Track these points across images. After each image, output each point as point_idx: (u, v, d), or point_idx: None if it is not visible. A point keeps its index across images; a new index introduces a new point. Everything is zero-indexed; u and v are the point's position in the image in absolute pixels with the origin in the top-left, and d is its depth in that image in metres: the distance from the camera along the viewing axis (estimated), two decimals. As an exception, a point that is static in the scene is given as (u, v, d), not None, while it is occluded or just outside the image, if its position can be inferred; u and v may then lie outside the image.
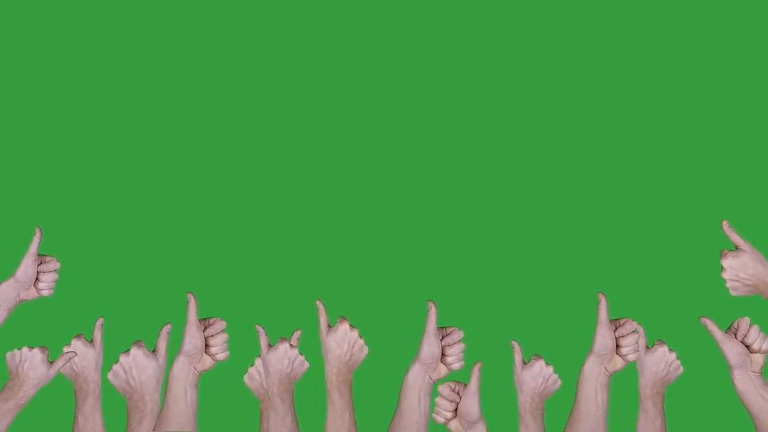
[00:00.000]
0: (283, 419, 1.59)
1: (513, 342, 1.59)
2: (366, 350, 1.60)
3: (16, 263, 1.58)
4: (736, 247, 1.59)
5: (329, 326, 1.61)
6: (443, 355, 1.59)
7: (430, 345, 1.57)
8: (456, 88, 1.77)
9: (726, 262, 1.59)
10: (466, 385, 1.57)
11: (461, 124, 1.76)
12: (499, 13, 1.77)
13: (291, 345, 1.60)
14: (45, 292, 1.59)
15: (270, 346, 1.60)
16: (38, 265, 1.59)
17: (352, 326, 1.60)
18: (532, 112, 1.75)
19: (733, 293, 1.59)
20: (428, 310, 1.58)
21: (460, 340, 1.59)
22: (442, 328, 1.60)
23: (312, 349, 1.62)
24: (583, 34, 1.76)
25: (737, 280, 1.59)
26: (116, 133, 1.75)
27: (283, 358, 1.59)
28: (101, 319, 1.60)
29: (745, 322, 1.57)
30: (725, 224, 1.59)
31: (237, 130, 1.76)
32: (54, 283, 1.59)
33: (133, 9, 1.77)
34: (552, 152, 1.74)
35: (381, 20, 1.78)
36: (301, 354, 1.60)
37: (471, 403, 1.56)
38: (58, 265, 1.60)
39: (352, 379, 1.60)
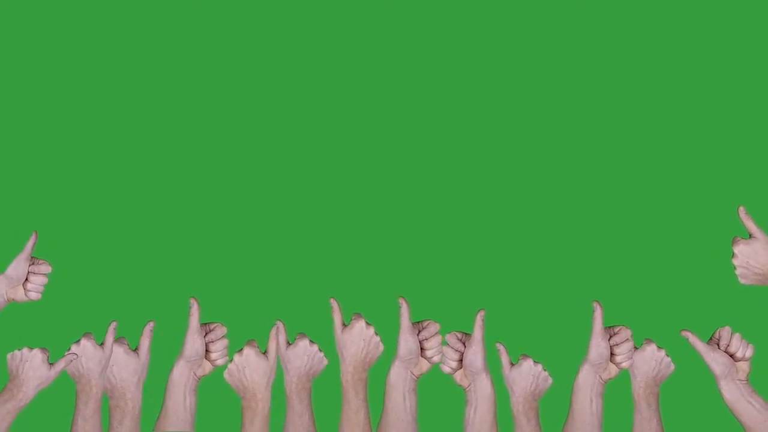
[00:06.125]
0: (300, 417, 1.57)
1: (497, 344, 1.58)
2: (381, 348, 1.59)
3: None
4: (750, 235, 1.57)
5: (344, 324, 1.59)
6: (422, 349, 1.58)
7: (406, 341, 1.57)
8: (458, 91, 1.77)
9: (738, 248, 1.57)
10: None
11: (460, 127, 1.76)
12: (497, 13, 1.78)
13: (311, 341, 1.58)
14: (32, 295, 1.55)
15: (288, 343, 1.58)
16: (29, 266, 1.55)
17: (368, 323, 1.59)
18: (526, 112, 1.76)
19: (741, 281, 1.57)
20: (399, 307, 1.57)
21: (437, 333, 1.58)
22: (417, 322, 1.59)
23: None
24: (581, 34, 1.78)
25: (747, 268, 1.57)
26: (116, 136, 1.74)
27: (303, 355, 1.58)
28: (114, 323, 1.56)
29: (726, 331, 1.58)
30: (742, 210, 1.57)
31: (235, 135, 1.74)
32: (43, 287, 1.56)
33: (132, 9, 1.75)
34: (550, 153, 1.76)
35: (375, 20, 1.77)
36: (320, 351, 1.58)
37: (474, 352, 1.56)
38: (49, 269, 1.56)
39: (367, 377, 1.58)
